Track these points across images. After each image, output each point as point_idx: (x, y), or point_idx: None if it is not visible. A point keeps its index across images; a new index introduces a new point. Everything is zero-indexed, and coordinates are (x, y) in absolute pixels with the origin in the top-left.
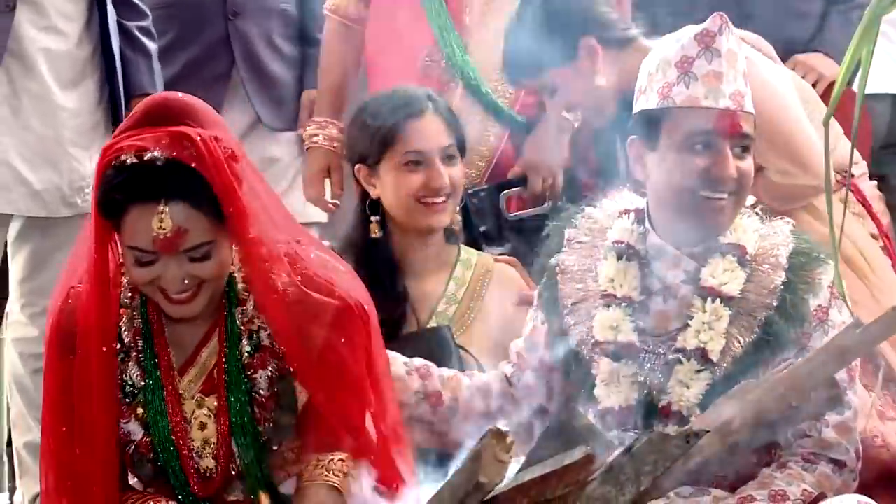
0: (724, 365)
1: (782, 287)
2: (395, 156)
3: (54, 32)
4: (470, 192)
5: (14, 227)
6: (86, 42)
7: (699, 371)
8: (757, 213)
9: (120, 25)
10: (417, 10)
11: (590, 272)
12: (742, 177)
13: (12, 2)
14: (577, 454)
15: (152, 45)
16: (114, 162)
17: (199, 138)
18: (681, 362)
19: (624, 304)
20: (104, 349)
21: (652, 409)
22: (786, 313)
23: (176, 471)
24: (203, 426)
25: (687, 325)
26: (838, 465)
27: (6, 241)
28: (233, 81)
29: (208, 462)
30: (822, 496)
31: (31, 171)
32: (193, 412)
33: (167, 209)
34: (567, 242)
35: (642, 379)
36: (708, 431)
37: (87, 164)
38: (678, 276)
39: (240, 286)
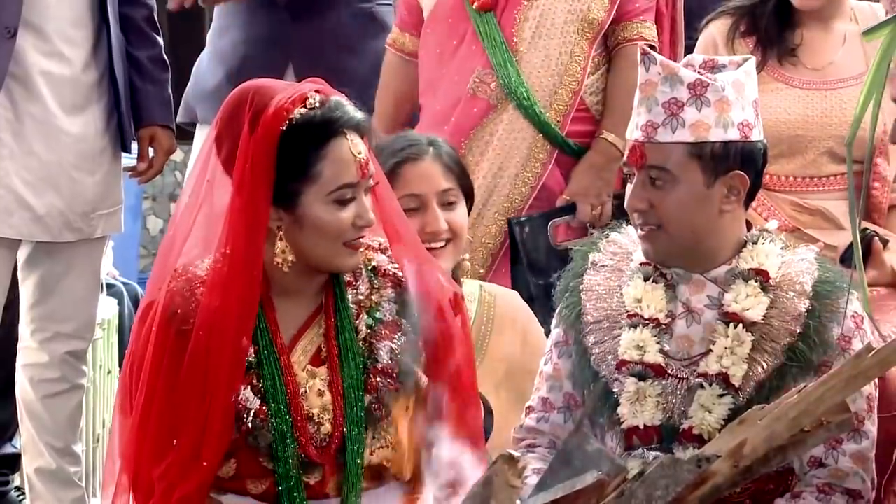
0: (748, 390)
1: (806, 314)
2: None
3: (58, 58)
4: (517, 220)
5: (23, 253)
6: (92, 68)
7: (721, 396)
8: (781, 240)
9: (130, 55)
10: (470, 33)
11: (614, 293)
12: (657, 207)
13: (13, 29)
14: (588, 479)
15: (163, 75)
16: (289, 120)
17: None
18: (703, 387)
19: (651, 326)
20: (244, 328)
21: (673, 432)
22: (810, 340)
23: (288, 439)
24: (321, 394)
25: (710, 351)
26: (852, 495)
27: (16, 266)
28: (286, 76)
29: (326, 428)
30: None
31: (34, 196)
32: (307, 382)
33: (352, 137)
34: (592, 265)
35: (665, 401)
36: (720, 456)
37: (92, 190)
38: (701, 300)
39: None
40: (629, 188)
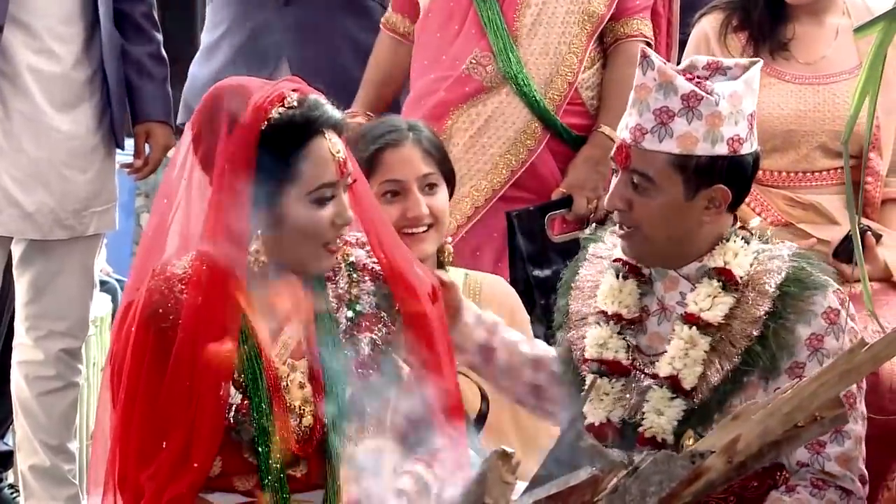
0: (702, 393)
1: (766, 317)
2: (373, 186)
3: (47, 55)
4: (516, 213)
5: (17, 251)
6: (84, 65)
7: (672, 398)
8: (766, 235)
9: (127, 52)
10: (471, 17)
11: (596, 289)
12: (636, 210)
13: None
14: (582, 475)
15: (161, 72)
16: (268, 120)
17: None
18: (653, 389)
19: (612, 322)
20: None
21: (634, 430)
22: (767, 343)
23: (270, 432)
24: (302, 386)
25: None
26: (846, 492)
27: (10, 264)
28: (279, 67)
29: (308, 420)
30: None
31: (23, 193)
32: (288, 375)
33: (331, 135)
34: (590, 256)
35: (628, 397)
36: (713, 452)
37: (84, 187)
38: (674, 297)
39: None
40: (612, 183)
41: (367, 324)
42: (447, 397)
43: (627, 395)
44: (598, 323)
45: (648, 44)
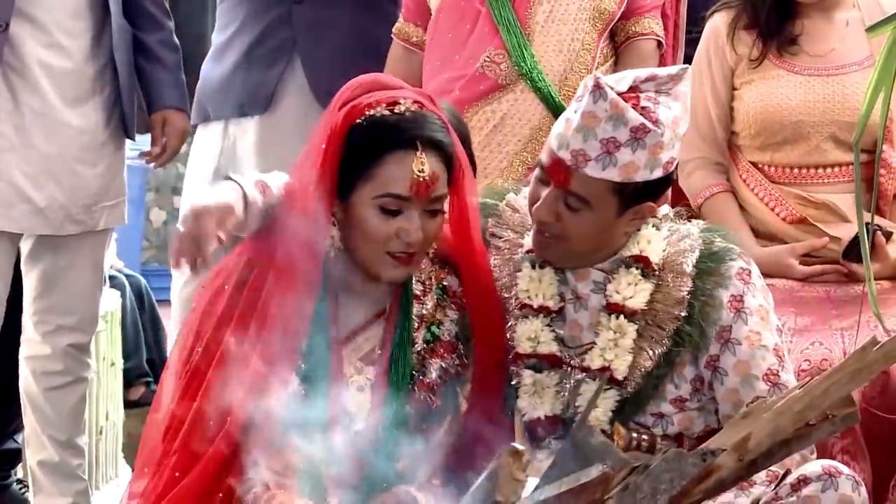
0: (635, 380)
1: (689, 296)
2: None
3: (56, 49)
4: None
5: (26, 246)
6: (94, 59)
7: (606, 390)
8: (670, 219)
9: (138, 40)
10: (484, 15)
11: (513, 279)
12: (565, 223)
13: (4, 23)
14: (593, 472)
15: (173, 58)
16: (366, 115)
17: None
18: (586, 381)
19: (542, 315)
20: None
21: (570, 424)
22: (695, 321)
23: (315, 427)
24: (361, 390)
25: (594, 343)
26: None
27: (18, 259)
28: (292, 63)
29: (358, 425)
30: (788, 471)
31: (35, 189)
32: (352, 376)
33: (424, 155)
34: (492, 237)
35: (566, 387)
36: (724, 450)
37: (94, 182)
38: (587, 286)
39: (415, 284)
40: (536, 189)
41: (442, 350)
42: (496, 443)
43: (566, 385)
44: (527, 317)
45: (660, 42)
